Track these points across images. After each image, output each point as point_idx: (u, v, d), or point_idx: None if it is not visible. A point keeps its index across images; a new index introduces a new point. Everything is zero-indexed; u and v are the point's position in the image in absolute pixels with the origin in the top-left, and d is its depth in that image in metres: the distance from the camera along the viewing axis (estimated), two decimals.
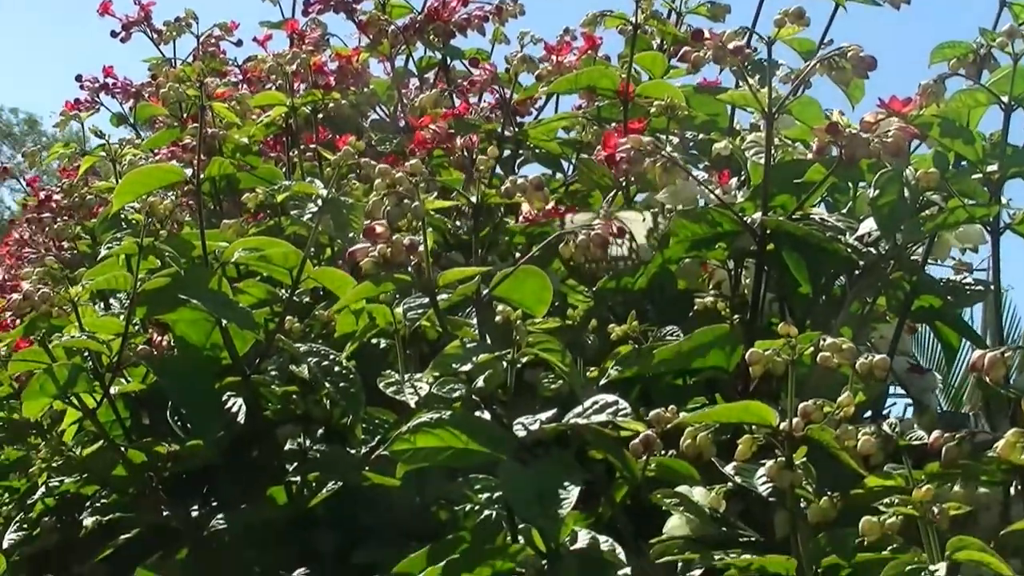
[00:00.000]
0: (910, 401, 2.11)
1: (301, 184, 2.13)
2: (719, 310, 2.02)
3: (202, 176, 2.08)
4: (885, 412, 2.06)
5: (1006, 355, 1.39)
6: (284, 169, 2.52)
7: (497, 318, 1.69)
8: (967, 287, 1.96)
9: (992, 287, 1.93)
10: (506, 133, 2.45)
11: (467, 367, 1.63)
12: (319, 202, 2.04)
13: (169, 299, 1.92)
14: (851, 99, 2.17)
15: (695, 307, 2.04)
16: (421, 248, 1.68)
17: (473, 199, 1.83)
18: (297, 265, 1.97)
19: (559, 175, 2.59)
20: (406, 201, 1.69)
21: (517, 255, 2.18)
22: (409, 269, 1.70)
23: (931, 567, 1.30)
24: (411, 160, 1.75)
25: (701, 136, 2.39)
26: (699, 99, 2.39)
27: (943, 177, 1.82)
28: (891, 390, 2.12)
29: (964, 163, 1.87)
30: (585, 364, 1.96)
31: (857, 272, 1.93)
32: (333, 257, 2.21)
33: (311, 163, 2.53)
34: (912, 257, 1.95)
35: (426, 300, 1.70)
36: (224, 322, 1.95)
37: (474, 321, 1.76)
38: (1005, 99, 1.83)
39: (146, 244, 1.90)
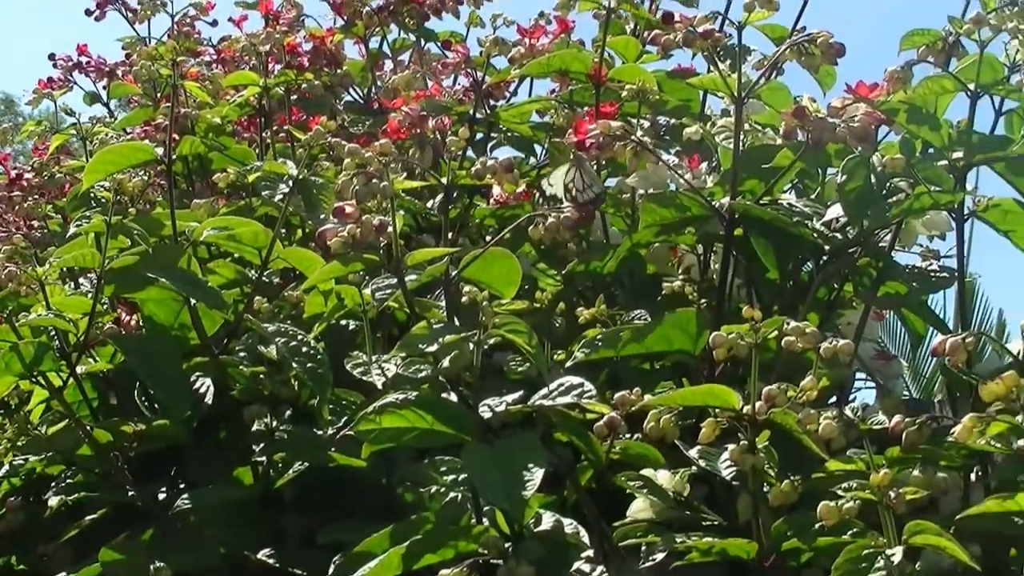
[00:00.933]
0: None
1: (272, 164, 2.13)
2: (687, 294, 2.03)
3: (173, 155, 2.08)
4: (852, 399, 2.08)
5: (967, 340, 1.40)
6: (257, 150, 2.52)
7: (464, 299, 1.69)
8: (933, 274, 1.97)
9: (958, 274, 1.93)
10: (478, 115, 2.45)
11: (433, 348, 1.63)
12: (290, 182, 2.04)
13: (138, 277, 1.91)
14: (822, 86, 2.18)
15: (663, 291, 2.05)
16: (390, 228, 1.68)
17: (444, 180, 1.83)
18: (267, 245, 1.97)
19: (532, 159, 2.58)
20: (375, 181, 1.69)
21: (488, 237, 2.19)
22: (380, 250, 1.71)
23: (887, 551, 1.31)
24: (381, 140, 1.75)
25: (673, 121, 2.39)
26: (671, 84, 2.39)
27: (909, 163, 1.83)
28: (858, 377, 2.14)
29: (931, 150, 1.88)
30: (553, 347, 1.96)
31: (824, 258, 1.94)
32: (304, 238, 2.21)
33: (284, 144, 2.53)
34: (879, 243, 1.95)
35: (394, 280, 1.69)
36: (193, 301, 1.95)
37: (443, 303, 1.76)
38: (972, 86, 1.83)
39: (115, 222, 1.89)
